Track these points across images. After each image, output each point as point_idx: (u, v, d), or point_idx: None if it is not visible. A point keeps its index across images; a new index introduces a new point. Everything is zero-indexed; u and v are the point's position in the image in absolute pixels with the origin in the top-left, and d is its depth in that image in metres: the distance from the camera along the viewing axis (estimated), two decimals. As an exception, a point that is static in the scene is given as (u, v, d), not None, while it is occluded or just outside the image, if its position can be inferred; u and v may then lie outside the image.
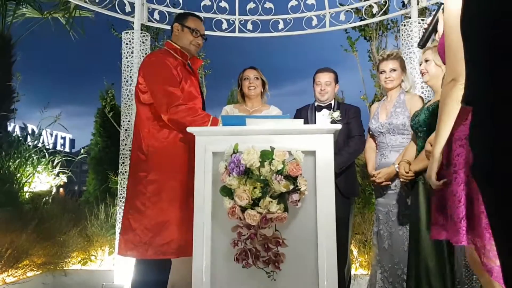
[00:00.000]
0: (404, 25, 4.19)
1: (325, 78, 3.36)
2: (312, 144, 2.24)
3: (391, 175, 2.98)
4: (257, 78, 3.44)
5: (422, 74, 2.84)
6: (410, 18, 4.21)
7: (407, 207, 2.91)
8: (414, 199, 2.70)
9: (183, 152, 2.57)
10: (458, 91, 1.58)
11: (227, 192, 2.15)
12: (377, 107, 3.28)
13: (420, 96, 3.23)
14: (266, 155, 2.12)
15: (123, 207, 3.18)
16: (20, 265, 3.80)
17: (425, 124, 2.66)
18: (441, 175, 1.72)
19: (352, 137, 3.26)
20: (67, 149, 24.44)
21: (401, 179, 2.82)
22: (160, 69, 2.59)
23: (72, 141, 31.17)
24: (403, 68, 3.21)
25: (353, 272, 3.91)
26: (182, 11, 4.66)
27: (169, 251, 2.50)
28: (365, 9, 4.64)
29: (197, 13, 4.58)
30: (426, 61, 2.78)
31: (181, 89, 2.59)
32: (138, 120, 2.68)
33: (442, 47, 1.93)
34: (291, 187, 2.11)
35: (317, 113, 3.40)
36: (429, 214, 2.27)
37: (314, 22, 4.61)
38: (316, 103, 3.43)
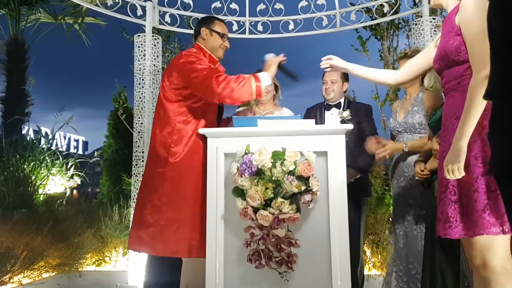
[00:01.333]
0: (416, 24, 4.16)
1: (331, 76, 3.32)
2: (323, 145, 2.23)
3: (398, 151, 2.97)
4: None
5: None
6: (421, 16, 4.18)
7: (422, 207, 2.89)
8: (430, 198, 2.68)
9: (202, 151, 2.57)
10: None
11: (239, 193, 2.16)
12: (397, 106, 3.24)
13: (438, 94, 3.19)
14: (278, 156, 2.13)
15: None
16: (35, 267, 3.85)
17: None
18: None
19: (364, 137, 3.22)
20: (80, 152, 24.68)
21: (417, 178, 2.79)
22: (199, 60, 2.64)
23: (86, 144, 31.48)
24: None
25: (366, 272, 3.89)
26: (193, 13, 4.70)
27: (181, 250, 2.50)
28: (376, 9, 4.62)
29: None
30: None
31: None
32: (161, 117, 2.66)
33: (438, 53, 1.98)
34: (303, 187, 2.11)
35: (326, 112, 3.37)
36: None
37: (325, 22, 4.60)
38: (325, 102, 3.41)
